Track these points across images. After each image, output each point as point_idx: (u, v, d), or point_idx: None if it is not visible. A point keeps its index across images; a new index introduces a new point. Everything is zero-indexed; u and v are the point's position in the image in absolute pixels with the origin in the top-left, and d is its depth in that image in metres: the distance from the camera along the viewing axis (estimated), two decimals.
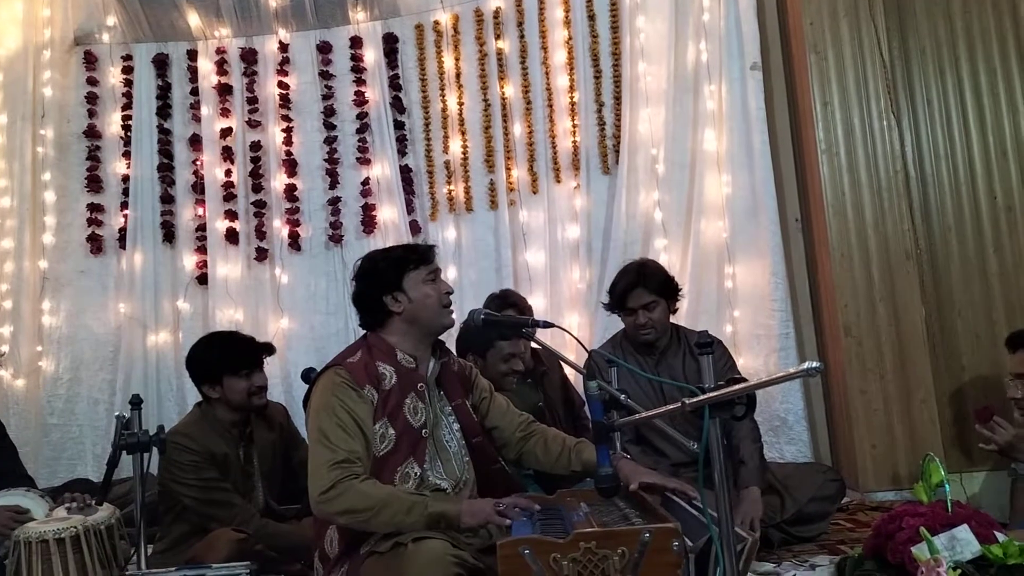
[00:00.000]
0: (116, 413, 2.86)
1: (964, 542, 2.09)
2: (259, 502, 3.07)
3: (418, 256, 2.44)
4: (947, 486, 2.28)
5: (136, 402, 2.82)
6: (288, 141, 4.75)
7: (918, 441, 3.94)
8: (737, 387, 1.77)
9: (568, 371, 3.96)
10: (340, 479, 2.14)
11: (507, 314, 3.63)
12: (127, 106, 4.80)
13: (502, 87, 4.70)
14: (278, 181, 4.73)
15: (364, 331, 2.50)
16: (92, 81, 4.82)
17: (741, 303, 4.36)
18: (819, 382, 4.35)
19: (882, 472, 3.97)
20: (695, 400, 1.78)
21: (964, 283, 4.16)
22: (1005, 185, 4.21)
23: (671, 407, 1.98)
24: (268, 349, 3.18)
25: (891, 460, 3.97)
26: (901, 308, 4.07)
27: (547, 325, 2.50)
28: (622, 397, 2.52)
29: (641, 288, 3.23)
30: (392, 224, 4.64)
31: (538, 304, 4.33)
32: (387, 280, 2.41)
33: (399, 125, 4.75)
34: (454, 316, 2.47)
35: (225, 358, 3.03)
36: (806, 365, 1.54)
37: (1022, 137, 4.23)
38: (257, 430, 3.14)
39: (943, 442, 3.95)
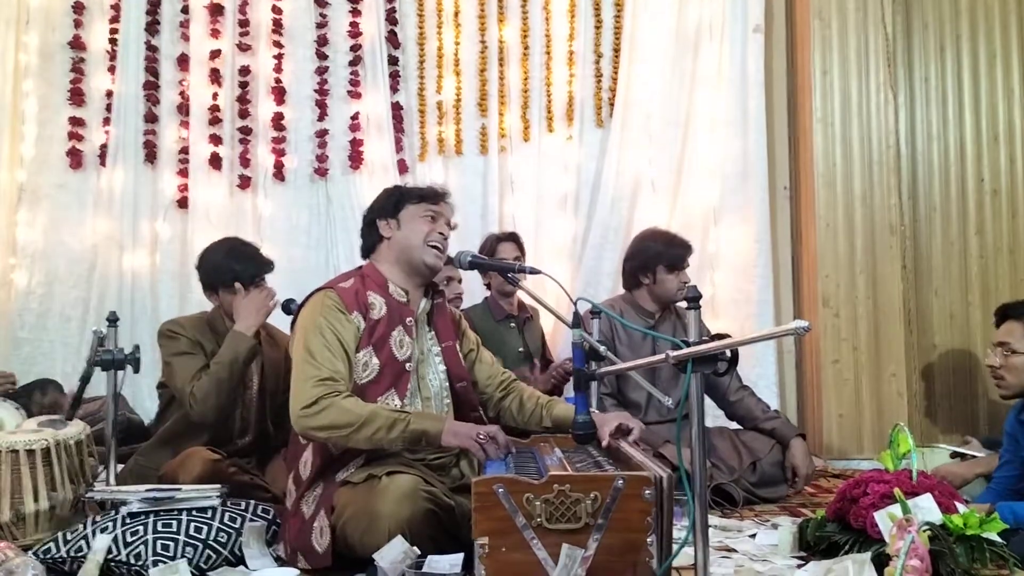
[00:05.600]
0: (93, 328, 2.83)
1: (926, 510, 2.13)
2: (251, 417, 3.02)
3: (422, 193, 2.45)
4: (914, 456, 2.32)
5: (113, 319, 2.80)
6: (278, 68, 4.64)
7: (885, 413, 4.02)
8: (721, 342, 1.78)
9: (545, 326, 4.01)
10: (323, 395, 2.16)
11: (507, 248, 3.71)
12: (115, 19, 4.65)
13: (500, 29, 4.62)
14: (265, 108, 4.63)
15: (358, 260, 2.51)
16: None
17: (723, 267, 4.38)
18: (792, 349, 4.41)
19: (847, 440, 4.05)
20: (679, 352, 1.79)
21: (944, 262, 4.22)
22: (993, 169, 4.25)
23: (653, 359, 1.99)
24: (267, 266, 3.09)
25: (857, 429, 4.06)
26: (880, 282, 4.12)
27: (533, 272, 2.51)
28: (602, 348, 2.56)
29: (689, 253, 3.51)
30: (379, 161, 4.57)
31: None
32: (386, 205, 2.44)
33: (393, 60, 4.66)
34: (441, 261, 2.45)
35: (224, 272, 3.00)
36: (794, 324, 1.55)
37: (1014, 122, 4.26)
38: (265, 346, 3.10)
39: (909, 415, 4.03)
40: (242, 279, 3.00)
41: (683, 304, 2.13)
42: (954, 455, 3.47)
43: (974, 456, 3.44)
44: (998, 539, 2.13)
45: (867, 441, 4.03)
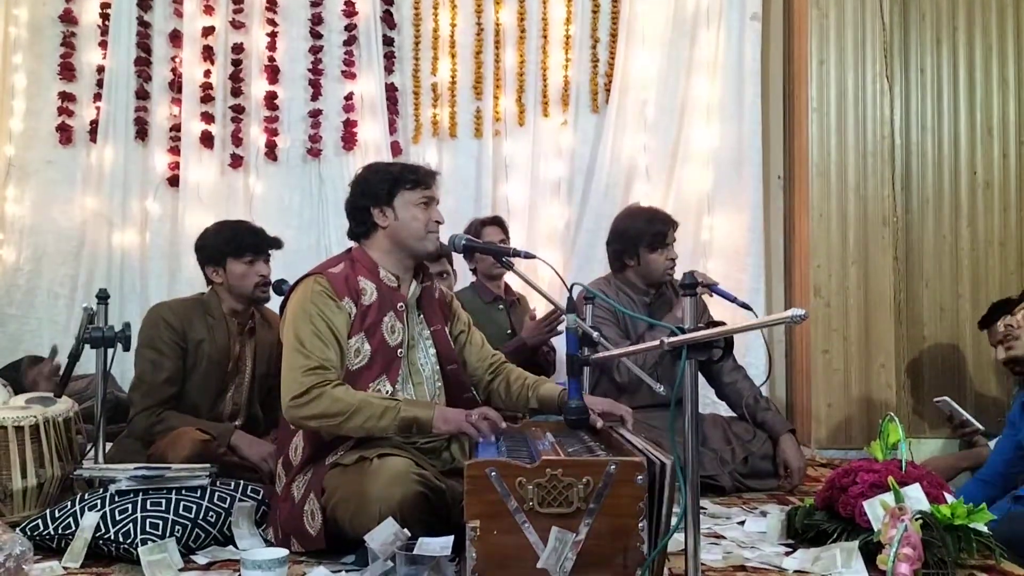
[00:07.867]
0: (83, 305, 2.80)
1: (914, 500, 2.15)
2: (242, 400, 3.02)
3: (416, 178, 2.40)
4: (903, 446, 2.33)
5: (103, 296, 2.78)
6: (272, 46, 4.59)
7: (873, 404, 4.04)
8: (716, 330, 1.78)
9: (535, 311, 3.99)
10: (314, 385, 2.15)
11: (493, 232, 3.69)
12: None
13: (497, 12, 4.58)
14: (258, 87, 4.58)
15: (349, 242, 2.47)
16: None
17: (715, 255, 4.38)
18: (783, 339, 4.42)
19: (835, 431, 4.07)
20: (674, 339, 1.79)
21: (935, 254, 4.23)
22: (986, 162, 4.25)
23: (648, 344, 1.99)
24: (276, 243, 3.09)
25: (845, 420, 4.08)
26: (872, 273, 4.13)
27: (527, 256, 2.51)
28: (595, 335, 2.56)
29: (672, 228, 3.39)
30: (373, 143, 4.53)
31: (515, 238, 4.29)
32: (379, 192, 2.38)
33: (388, 41, 4.61)
34: (436, 245, 2.44)
35: (231, 241, 2.98)
36: (791, 312, 1.55)
37: (1008, 115, 4.26)
38: (260, 328, 3.08)
39: (898, 406, 4.05)
40: (260, 249, 2.99)
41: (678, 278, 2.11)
42: (962, 423, 3.53)
43: (975, 424, 3.51)
44: (985, 529, 2.15)
45: (855, 431, 4.04)
